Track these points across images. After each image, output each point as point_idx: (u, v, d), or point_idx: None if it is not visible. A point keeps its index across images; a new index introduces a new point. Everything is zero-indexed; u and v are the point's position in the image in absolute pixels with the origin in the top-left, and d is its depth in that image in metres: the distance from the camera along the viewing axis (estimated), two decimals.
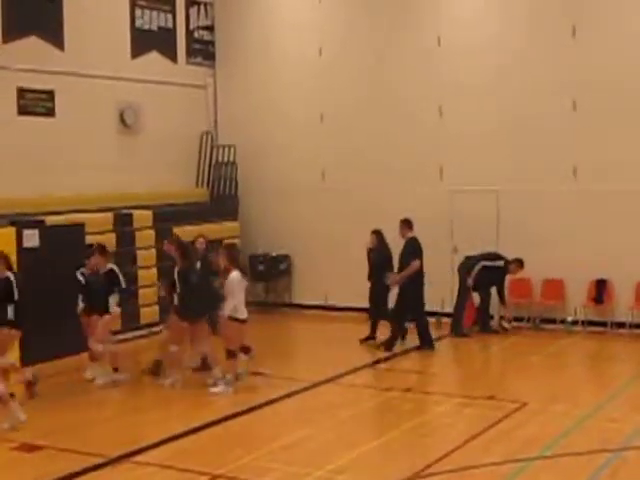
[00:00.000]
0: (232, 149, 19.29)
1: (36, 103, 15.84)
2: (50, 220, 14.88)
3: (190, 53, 19.26)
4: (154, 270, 16.59)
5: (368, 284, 15.59)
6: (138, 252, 16.56)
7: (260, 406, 11.47)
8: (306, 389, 12.44)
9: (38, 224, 14.60)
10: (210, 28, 19.66)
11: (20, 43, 15.47)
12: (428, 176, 17.42)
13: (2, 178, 14.80)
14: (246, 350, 12.63)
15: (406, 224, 15.04)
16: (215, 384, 12.25)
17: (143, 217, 16.89)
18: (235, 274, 11.96)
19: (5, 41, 15.25)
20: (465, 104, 17.04)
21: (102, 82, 16.85)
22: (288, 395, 12.08)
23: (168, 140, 18.33)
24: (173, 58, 18.84)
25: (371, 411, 11.62)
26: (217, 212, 18.78)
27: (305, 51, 18.71)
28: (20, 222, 14.42)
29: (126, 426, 10.92)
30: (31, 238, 14.28)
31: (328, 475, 8.66)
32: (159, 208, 17.38)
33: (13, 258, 13.24)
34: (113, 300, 12.68)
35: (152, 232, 16.85)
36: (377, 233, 15.40)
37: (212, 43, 19.71)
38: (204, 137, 19.43)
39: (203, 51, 19.55)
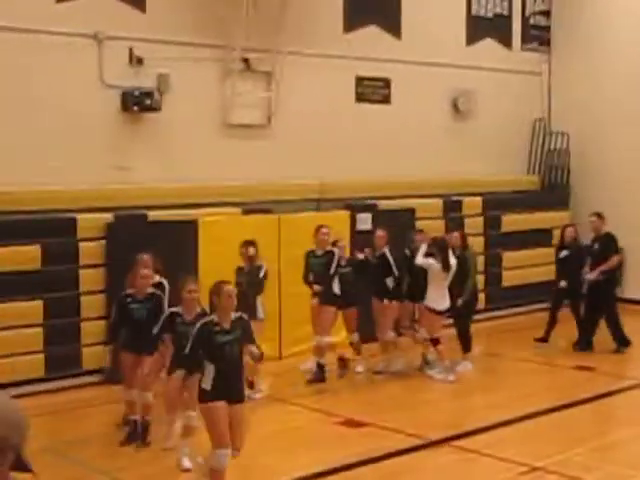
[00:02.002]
0: (565, 137, 18.79)
1: (373, 90, 16.35)
2: (382, 204, 15.34)
3: (525, 39, 19.00)
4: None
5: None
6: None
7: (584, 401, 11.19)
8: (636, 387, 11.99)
9: (371, 208, 15.13)
10: (546, 13, 19.27)
11: (360, 32, 16.05)
12: None
13: (338, 163, 15.36)
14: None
15: (602, 218, 14.36)
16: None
17: (473, 204, 16.95)
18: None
19: (346, 30, 15.88)
20: None
21: (437, 69, 17.04)
22: (617, 391, 11.70)
23: (500, 127, 18.21)
24: (508, 44, 18.68)
25: None
26: (547, 201, 18.42)
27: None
28: (354, 206, 15.00)
29: (451, 409, 11.05)
30: (364, 221, 14.82)
31: None
32: (489, 195, 17.37)
33: (347, 240, 13.81)
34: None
35: (481, 219, 16.89)
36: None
37: (548, 28, 19.31)
38: (537, 124, 19.10)
39: (538, 37, 19.20)
